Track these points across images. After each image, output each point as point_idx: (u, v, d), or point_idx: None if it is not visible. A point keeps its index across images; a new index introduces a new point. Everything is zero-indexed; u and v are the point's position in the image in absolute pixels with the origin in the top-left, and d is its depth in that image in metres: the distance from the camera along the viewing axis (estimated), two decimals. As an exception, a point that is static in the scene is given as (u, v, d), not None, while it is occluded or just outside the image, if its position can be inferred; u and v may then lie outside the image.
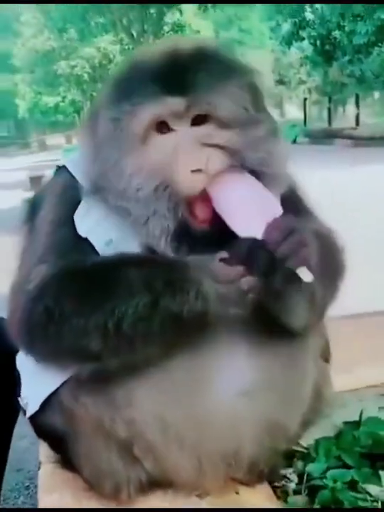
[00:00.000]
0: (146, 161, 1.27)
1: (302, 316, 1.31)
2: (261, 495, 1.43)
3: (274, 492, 1.50)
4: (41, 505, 1.43)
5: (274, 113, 1.45)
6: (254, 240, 1.20)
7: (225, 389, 1.29)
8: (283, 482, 1.56)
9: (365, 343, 2.22)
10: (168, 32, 29.51)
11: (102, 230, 1.33)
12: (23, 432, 1.73)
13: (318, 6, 22.16)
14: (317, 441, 1.69)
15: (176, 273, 1.21)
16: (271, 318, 1.29)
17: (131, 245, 1.31)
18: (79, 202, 1.36)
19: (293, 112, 37.99)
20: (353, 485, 1.53)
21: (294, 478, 1.58)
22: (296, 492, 1.54)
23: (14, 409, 1.51)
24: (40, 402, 1.38)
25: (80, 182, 1.38)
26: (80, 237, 1.33)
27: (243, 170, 1.29)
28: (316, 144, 20.87)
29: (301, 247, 1.18)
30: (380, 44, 20.61)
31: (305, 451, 1.68)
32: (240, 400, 1.30)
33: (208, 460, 1.32)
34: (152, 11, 28.76)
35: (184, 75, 1.26)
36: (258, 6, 26.67)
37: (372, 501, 1.48)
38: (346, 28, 20.82)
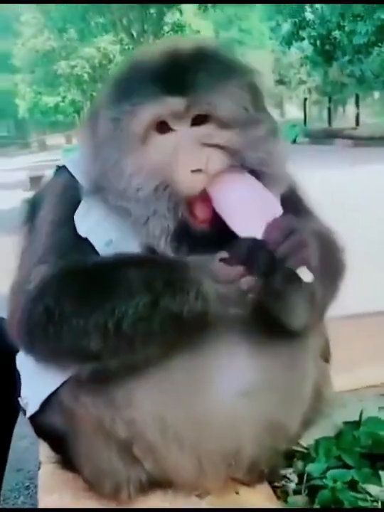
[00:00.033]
0: (146, 160, 1.27)
1: (302, 316, 1.31)
2: (261, 495, 1.43)
3: (274, 492, 1.50)
4: (41, 505, 1.43)
5: (274, 113, 1.45)
6: (254, 240, 1.20)
7: (225, 389, 1.29)
8: (283, 482, 1.56)
9: (366, 343, 2.22)
10: (168, 32, 29.52)
11: (102, 230, 1.33)
12: (23, 432, 1.73)
13: (318, 6, 22.18)
14: (317, 441, 1.69)
15: (176, 273, 1.20)
16: (271, 318, 1.29)
17: (131, 245, 1.31)
18: (79, 202, 1.36)
19: (293, 111, 38.00)
20: (353, 485, 1.53)
21: (294, 478, 1.58)
22: (296, 492, 1.54)
23: (14, 409, 1.51)
24: (40, 402, 1.38)
25: (79, 182, 1.38)
26: (80, 237, 1.32)
27: (243, 170, 1.29)
28: (316, 144, 20.89)
29: (301, 247, 1.18)
30: (380, 44, 20.63)
31: (305, 451, 1.67)
32: (240, 400, 1.30)
33: (208, 460, 1.32)
34: (152, 11, 28.77)
35: (184, 75, 1.26)
36: (258, 6, 26.67)
37: (372, 501, 1.48)
38: (346, 28, 20.84)
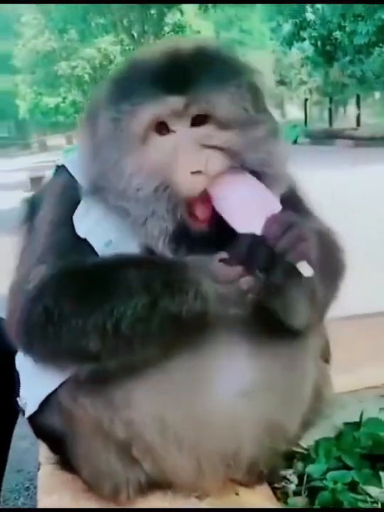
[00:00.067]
0: (146, 161, 1.27)
1: (303, 312, 1.31)
2: (261, 496, 1.42)
3: (274, 493, 1.49)
4: (40, 506, 1.43)
5: (275, 114, 1.45)
6: (253, 236, 1.20)
7: (224, 389, 1.29)
8: (283, 483, 1.56)
9: (366, 344, 2.22)
10: (168, 32, 29.55)
11: (101, 231, 1.32)
12: (23, 432, 1.73)
13: (319, 6, 22.18)
14: (317, 442, 1.69)
15: (175, 273, 1.20)
16: (271, 318, 1.29)
17: (131, 246, 1.30)
18: (78, 202, 1.36)
19: (294, 112, 38.01)
20: (353, 486, 1.53)
21: (294, 479, 1.58)
22: (296, 493, 1.54)
23: (14, 410, 1.51)
24: (38, 402, 1.37)
25: (79, 182, 1.38)
26: (79, 237, 1.32)
27: (243, 170, 1.29)
28: (316, 145, 20.90)
29: (301, 241, 1.18)
30: (380, 44, 20.63)
31: (305, 452, 1.67)
32: (240, 400, 1.30)
33: (207, 461, 1.32)
34: (153, 11, 28.79)
35: (184, 74, 1.26)
36: (259, 6, 26.67)
37: (373, 502, 1.48)
38: (347, 29, 20.84)
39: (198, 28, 30.44)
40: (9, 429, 1.90)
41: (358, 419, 1.80)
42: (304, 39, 23.09)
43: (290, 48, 23.91)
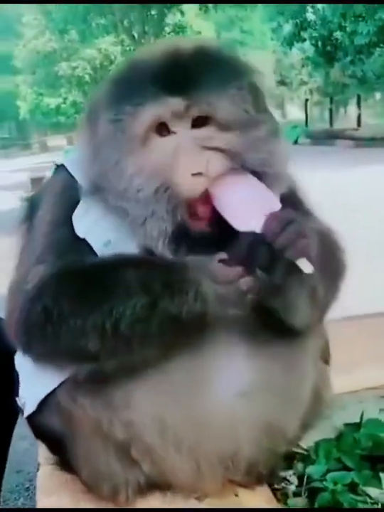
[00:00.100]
0: (147, 162, 1.27)
1: (303, 311, 1.31)
2: (260, 497, 1.42)
3: (274, 494, 1.49)
4: (40, 507, 1.43)
5: (276, 114, 1.45)
6: (253, 234, 1.20)
7: (223, 390, 1.29)
8: (283, 484, 1.56)
9: (366, 345, 2.21)
10: (169, 33, 29.54)
11: (100, 231, 1.32)
12: (23, 433, 1.72)
13: (319, 6, 22.17)
14: (317, 443, 1.68)
15: (175, 274, 1.20)
16: (270, 318, 1.28)
17: (130, 246, 1.30)
18: (77, 202, 1.36)
19: (294, 112, 38.01)
20: (353, 487, 1.52)
21: (294, 480, 1.58)
22: (296, 494, 1.54)
23: (14, 410, 1.51)
24: (37, 402, 1.37)
25: (78, 182, 1.37)
26: (78, 237, 1.32)
27: (244, 170, 1.29)
28: (317, 145, 20.89)
29: (300, 238, 1.18)
30: (381, 44, 20.60)
31: (305, 453, 1.67)
32: (239, 401, 1.30)
33: (206, 462, 1.32)
34: (153, 12, 28.77)
35: (185, 75, 1.26)
36: (259, 7, 26.66)
37: (373, 504, 1.48)
38: (348, 29, 20.81)
39: (198, 29, 30.43)
40: (9, 429, 1.90)
41: (358, 420, 1.80)
42: (305, 39, 23.06)
43: (291, 49, 23.88)
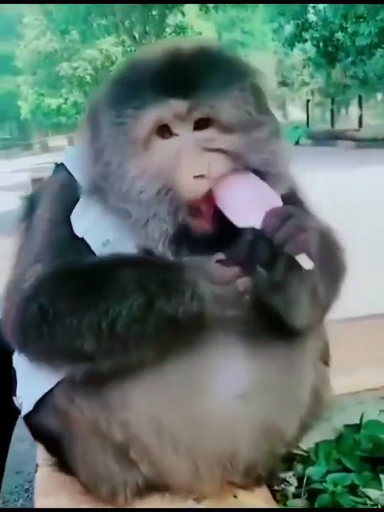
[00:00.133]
0: (149, 164, 1.26)
1: (304, 310, 1.30)
2: (259, 498, 1.41)
3: (274, 496, 1.48)
4: (38, 507, 1.43)
5: (277, 115, 1.44)
6: (253, 231, 1.19)
7: (221, 391, 1.28)
8: (282, 486, 1.55)
9: (366, 346, 2.21)
10: (170, 34, 29.56)
11: (99, 230, 1.32)
12: (22, 434, 1.72)
13: (320, 7, 22.18)
14: (317, 445, 1.68)
15: (171, 274, 1.20)
16: (269, 319, 1.28)
17: (128, 246, 1.30)
18: (76, 201, 1.35)
19: (296, 113, 38.02)
20: (353, 489, 1.52)
21: (294, 481, 1.57)
22: (296, 495, 1.53)
23: (13, 410, 1.51)
24: (34, 402, 1.37)
25: (78, 181, 1.37)
26: (76, 236, 1.32)
27: (246, 170, 1.28)
28: (318, 146, 20.92)
29: (300, 232, 1.17)
30: (383, 45, 20.61)
31: (305, 454, 1.66)
32: (237, 402, 1.29)
33: (204, 463, 1.31)
34: (154, 12, 28.79)
35: (186, 76, 1.25)
36: (261, 7, 26.68)
37: (372, 505, 1.47)
38: (349, 30, 20.83)
39: (199, 29, 30.49)
40: (8, 429, 1.90)
41: (358, 422, 1.79)
42: (306, 40, 23.10)
43: (292, 49, 23.93)
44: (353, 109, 28.28)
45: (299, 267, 1.17)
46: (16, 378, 1.46)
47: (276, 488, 1.54)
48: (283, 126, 1.44)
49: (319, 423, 1.55)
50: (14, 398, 1.46)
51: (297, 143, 21.92)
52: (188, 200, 1.25)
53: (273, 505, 1.44)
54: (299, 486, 1.55)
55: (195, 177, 1.23)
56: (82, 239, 1.31)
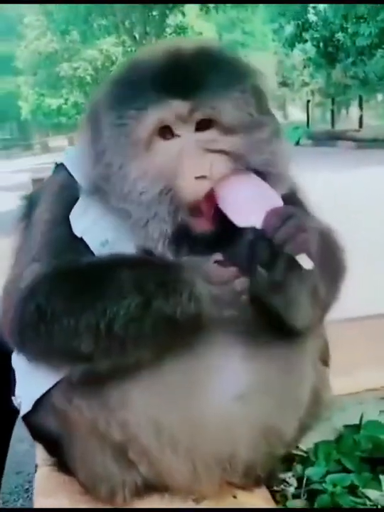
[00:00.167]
0: (151, 165, 1.26)
1: (305, 310, 1.30)
2: (259, 499, 1.41)
3: (273, 496, 1.48)
4: (37, 507, 1.43)
5: (278, 115, 1.44)
6: (255, 231, 1.19)
7: (219, 392, 1.28)
8: (282, 486, 1.55)
9: (366, 346, 2.21)
10: (170, 34, 29.57)
11: (98, 230, 1.32)
12: (22, 434, 1.72)
13: (321, 8, 22.19)
14: (317, 445, 1.68)
15: (169, 274, 1.20)
16: (269, 319, 1.28)
17: (127, 246, 1.29)
18: (76, 201, 1.35)
19: (296, 113, 38.02)
20: (352, 489, 1.52)
21: (293, 482, 1.57)
22: (296, 496, 1.53)
23: (13, 410, 1.50)
24: (32, 401, 1.37)
25: (78, 181, 1.37)
26: (75, 236, 1.31)
27: (248, 170, 1.28)
28: (319, 146, 20.92)
29: (300, 232, 1.17)
30: (383, 46, 20.60)
31: (304, 454, 1.66)
32: (235, 403, 1.29)
33: (203, 464, 1.31)
34: (154, 13, 28.80)
35: (187, 76, 1.25)
36: (261, 8, 26.69)
37: (372, 506, 1.47)
38: (349, 30, 20.84)
39: (200, 30, 30.50)
40: (8, 429, 1.90)
41: (358, 422, 1.79)
42: (306, 40, 23.11)
43: (292, 50, 23.94)
44: (354, 110, 28.26)
45: (299, 267, 1.17)
46: (14, 378, 1.46)
47: (275, 488, 1.54)
48: (283, 127, 1.44)
49: (319, 423, 1.54)
50: (13, 398, 1.46)
51: (297, 143, 21.91)
52: (188, 201, 1.25)
53: (272, 505, 1.44)
54: (299, 487, 1.55)
55: (197, 178, 1.23)
56: (81, 239, 1.31)
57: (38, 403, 1.36)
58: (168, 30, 30.18)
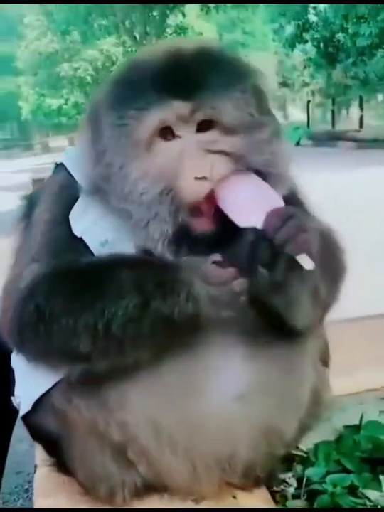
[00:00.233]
0: (152, 166, 1.26)
1: (305, 310, 1.30)
2: (259, 499, 1.41)
3: (273, 497, 1.48)
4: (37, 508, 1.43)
5: (278, 115, 1.44)
6: (255, 231, 1.19)
7: (219, 392, 1.28)
8: (282, 486, 1.55)
9: (367, 347, 2.20)
10: (171, 34, 29.59)
11: (98, 230, 1.31)
12: (22, 434, 1.71)
13: (321, 8, 22.20)
14: (317, 445, 1.67)
15: (167, 274, 1.20)
16: (269, 319, 1.28)
17: (127, 246, 1.29)
18: (76, 201, 1.35)
19: (296, 114, 38.04)
20: (352, 490, 1.51)
21: (293, 482, 1.56)
22: (295, 496, 1.52)
23: (12, 411, 1.50)
24: (32, 402, 1.36)
25: (78, 182, 1.37)
26: (74, 236, 1.31)
27: (248, 171, 1.28)
28: (319, 147, 20.93)
29: (300, 232, 1.17)
30: (383, 46, 20.61)
31: (304, 455, 1.66)
32: (235, 403, 1.29)
33: (202, 464, 1.31)
34: (155, 13, 28.82)
35: (188, 77, 1.25)
36: (261, 8, 26.70)
37: (372, 506, 1.47)
38: (350, 30, 20.86)
39: (200, 30, 30.52)
40: (8, 429, 1.90)
41: (358, 422, 1.79)
42: (307, 41, 23.13)
43: (293, 50, 23.98)
44: (354, 110, 28.25)
45: (299, 267, 1.16)
46: (14, 378, 1.45)
47: (275, 489, 1.53)
48: (284, 127, 1.44)
49: (319, 424, 1.54)
50: (12, 398, 1.46)
51: (298, 144, 21.92)
52: (189, 201, 1.25)
53: (272, 506, 1.43)
54: (299, 487, 1.55)
55: (197, 179, 1.23)
56: (81, 239, 1.31)
57: (38, 403, 1.36)
58: (169, 30, 30.22)
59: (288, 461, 1.59)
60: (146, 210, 1.26)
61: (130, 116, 1.25)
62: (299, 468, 1.61)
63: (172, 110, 1.23)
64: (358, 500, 1.48)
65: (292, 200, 1.38)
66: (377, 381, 2.06)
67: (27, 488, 2.64)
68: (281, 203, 1.25)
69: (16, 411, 1.48)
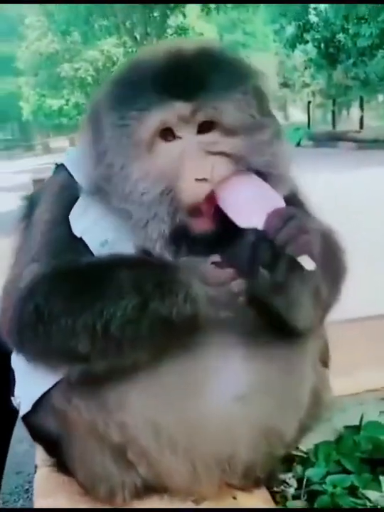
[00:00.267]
0: (152, 167, 1.26)
1: (306, 311, 1.30)
2: (259, 500, 1.41)
3: (273, 497, 1.48)
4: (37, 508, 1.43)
5: (278, 116, 1.44)
6: (256, 232, 1.19)
7: (218, 392, 1.28)
8: (282, 487, 1.55)
9: (367, 347, 2.20)
10: (171, 35, 29.59)
11: (98, 230, 1.31)
12: (22, 434, 1.72)
13: (322, 8, 22.20)
14: (317, 446, 1.67)
15: (166, 275, 1.20)
16: (270, 320, 1.28)
17: (127, 247, 1.29)
18: (76, 201, 1.35)
19: (297, 114, 38.04)
20: (352, 490, 1.51)
21: (293, 483, 1.56)
22: (295, 497, 1.52)
23: (13, 411, 1.50)
24: (32, 402, 1.37)
25: (78, 182, 1.37)
26: (74, 236, 1.31)
27: (249, 171, 1.28)
28: (320, 147, 20.93)
29: (301, 233, 1.17)
30: (384, 46, 20.63)
31: (304, 455, 1.66)
32: (235, 404, 1.28)
33: (202, 465, 1.31)
34: (155, 13, 28.82)
35: (188, 77, 1.25)
36: (262, 9, 26.70)
37: (372, 507, 1.47)
38: (350, 31, 20.86)
39: (200, 31, 30.52)
40: (8, 430, 1.90)
41: (358, 423, 1.79)
42: (307, 41, 23.13)
43: (293, 51, 23.97)
44: (354, 111, 28.21)
45: (300, 268, 1.16)
46: (14, 378, 1.45)
47: (275, 489, 1.53)
48: (284, 128, 1.44)
49: (319, 424, 1.54)
50: (12, 398, 1.46)
51: (298, 144, 21.92)
52: (189, 202, 1.25)
53: (272, 506, 1.43)
54: (299, 488, 1.54)
55: (198, 180, 1.23)
56: (81, 239, 1.31)
57: (38, 403, 1.36)
58: (169, 31, 30.20)
59: (288, 461, 1.59)
60: (146, 211, 1.26)
61: (131, 116, 1.25)
62: (299, 468, 1.61)
63: (173, 111, 1.23)
64: (358, 501, 1.48)
65: (293, 200, 1.38)
66: (377, 381, 2.06)
67: (27, 489, 2.65)
68: (282, 204, 1.25)
69: (16, 411, 1.48)
